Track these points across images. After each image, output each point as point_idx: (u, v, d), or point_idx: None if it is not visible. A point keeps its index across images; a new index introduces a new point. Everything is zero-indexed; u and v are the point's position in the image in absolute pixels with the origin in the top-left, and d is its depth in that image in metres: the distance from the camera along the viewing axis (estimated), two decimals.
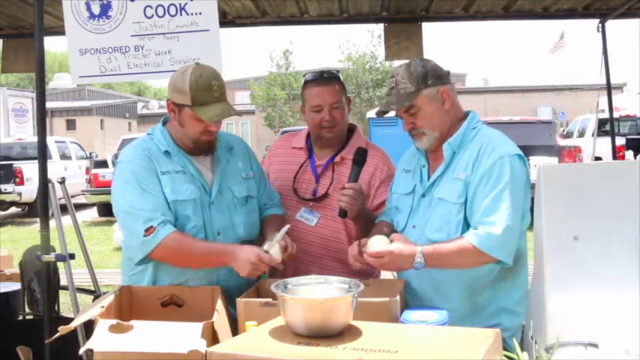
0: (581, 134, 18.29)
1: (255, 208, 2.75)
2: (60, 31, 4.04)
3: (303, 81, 2.96)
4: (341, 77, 2.97)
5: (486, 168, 2.32)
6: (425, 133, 2.44)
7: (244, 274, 2.43)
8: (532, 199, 2.21)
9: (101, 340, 1.86)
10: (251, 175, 2.76)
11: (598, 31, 5.06)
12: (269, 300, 2.11)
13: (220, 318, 2.10)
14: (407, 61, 2.49)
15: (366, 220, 2.76)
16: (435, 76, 2.41)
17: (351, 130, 3.02)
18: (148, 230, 2.41)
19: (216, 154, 2.66)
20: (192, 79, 2.45)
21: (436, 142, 2.45)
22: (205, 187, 2.59)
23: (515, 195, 2.28)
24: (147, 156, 2.55)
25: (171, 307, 2.40)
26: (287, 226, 2.53)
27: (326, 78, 2.90)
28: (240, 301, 2.17)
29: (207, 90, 2.46)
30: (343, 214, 2.69)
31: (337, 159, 2.93)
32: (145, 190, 2.47)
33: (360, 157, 2.74)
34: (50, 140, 16.13)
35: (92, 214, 15.02)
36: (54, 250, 3.46)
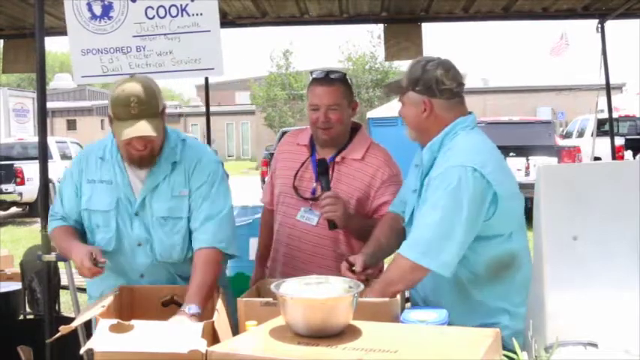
0: (581, 134, 18.26)
1: (180, 229, 2.57)
2: (61, 31, 4.05)
3: (310, 78, 2.93)
4: (349, 80, 2.93)
5: (433, 176, 2.32)
6: (407, 125, 2.51)
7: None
8: (531, 200, 2.21)
9: (102, 340, 1.86)
10: (185, 193, 2.57)
11: (597, 31, 5.08)
12: (269, 300, 2.11)
13: (220, 318, 2.10)
14: (420, 58, 2.49)
15: (359, 226, 2.76)
16: (425, 86, 2.39)
17: (355, 129, 2.99)
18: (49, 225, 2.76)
19: (153, 168, 2.57)
20: (114, 94, 2.43)
21: (417, 139, 2.49)
22: (130, 198, 2.57)
23: (455, 206, 2.23)
24: (83, 160, 2.66)
25: (172, 306, 2.41)
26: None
27: (330, 79, 2.85)
28: (241, 301, 2.17)
29: (123, 105, 2.39)
30: (333, 226, 2.70)
31: (338, 158, 2.90)
32: (60, 193, 2.72)
33: (323, 169, 2.78)
34: (51, 140, 16.10)
35: None
36: (54, 250, 3.46)
